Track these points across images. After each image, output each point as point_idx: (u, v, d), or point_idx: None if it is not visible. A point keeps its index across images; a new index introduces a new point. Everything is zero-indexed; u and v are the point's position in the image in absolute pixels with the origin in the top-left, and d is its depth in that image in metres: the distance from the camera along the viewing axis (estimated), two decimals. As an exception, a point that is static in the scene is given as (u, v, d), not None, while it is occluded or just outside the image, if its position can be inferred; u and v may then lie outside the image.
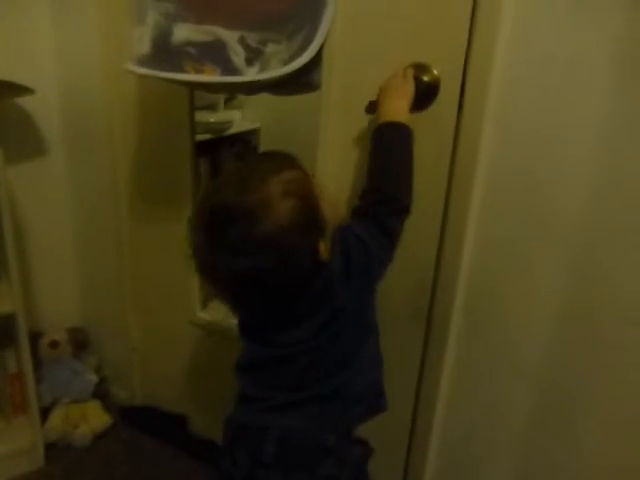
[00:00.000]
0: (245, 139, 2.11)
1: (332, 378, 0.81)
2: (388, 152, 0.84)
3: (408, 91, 0.85)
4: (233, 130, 1.97)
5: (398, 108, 0.84)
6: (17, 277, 1.34)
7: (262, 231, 0.69)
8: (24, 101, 1.52)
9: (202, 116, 1.72)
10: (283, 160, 0.78)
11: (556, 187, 0.84)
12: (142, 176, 1.47)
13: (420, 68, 0.86)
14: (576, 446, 0.93)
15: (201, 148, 1.81)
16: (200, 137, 1.67)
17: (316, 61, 0.96)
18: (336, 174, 1.04)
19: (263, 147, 2.15)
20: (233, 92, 1.26)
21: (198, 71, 0.83)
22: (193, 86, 1.01)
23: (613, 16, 0.73)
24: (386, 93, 0.87)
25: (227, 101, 2.01)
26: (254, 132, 2.12)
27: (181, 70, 0.84)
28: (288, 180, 0.72)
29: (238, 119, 2.09)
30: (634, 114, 0.75)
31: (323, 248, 0.75)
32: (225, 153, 2.03)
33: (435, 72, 0.86)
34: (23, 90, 1.41)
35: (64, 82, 1.56)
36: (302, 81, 1.00)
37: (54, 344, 1.61)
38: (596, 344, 0.86)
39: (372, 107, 0.91)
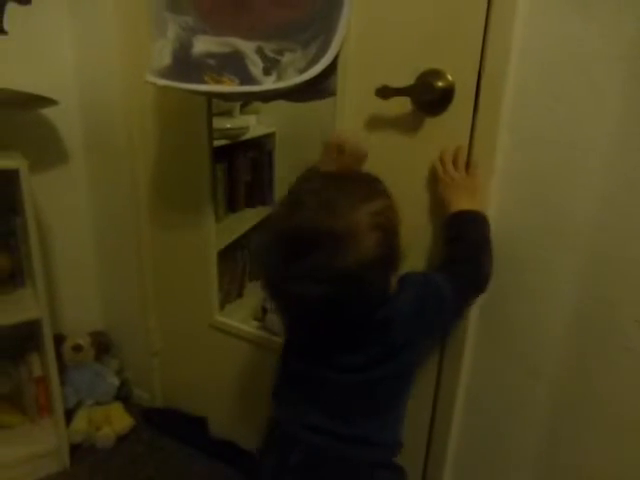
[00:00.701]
0: (260, 144, 2.15)
1: (358, 422, 0.81)
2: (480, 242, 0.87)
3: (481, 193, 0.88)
4: (248, 135, 2.00)
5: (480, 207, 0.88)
6: (42, 283, 1.37)
7: (344, 262, 0.65)
8: (47, 112, 1.57)
9: (219, 122, 1.75)
10: (372, 186, 0.75)
11: (570, 191, 0.84)
12: (162, 183, 1.50)
13: (434, 74, 0.87)
14: (593, 448, 0.93)
15: (217, 153, 1.85)
16: (217, 143, 1.71)
17: (332, 68, 0.98)
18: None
19: (278, 152, 2.18)
20: (250, 100, 1.27)
21: (217, 82, 0.86)
22: (212, 96, 1.03)
23: (626, 21, 0.74)
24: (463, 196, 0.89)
25: (243, 107, 2.05)
26: (269, 137, 2.16)
27: (201, 81, 0.87)
28: (377, 211, 0.69)
29: (253, 124, 2.13)
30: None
31: (393, 282, 0.75)
32: (241, 158, 2.07)
33: (450, 78, 0.87)
34: (47, 101, 1.45)
35: (85, 92, 1.60)
36: (318, 88, 1.02)
37: (77, 348, 1.65)
38: (611, 346, 0.87)
39: (383, 92, 0.90)
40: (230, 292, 2.07)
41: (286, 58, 0.88)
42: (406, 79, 0.89)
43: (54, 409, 1.49)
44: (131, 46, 1.35)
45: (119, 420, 1.65)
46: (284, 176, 2.17)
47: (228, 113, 1.90)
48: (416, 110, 0.90)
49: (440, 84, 0.87)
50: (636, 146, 0.77)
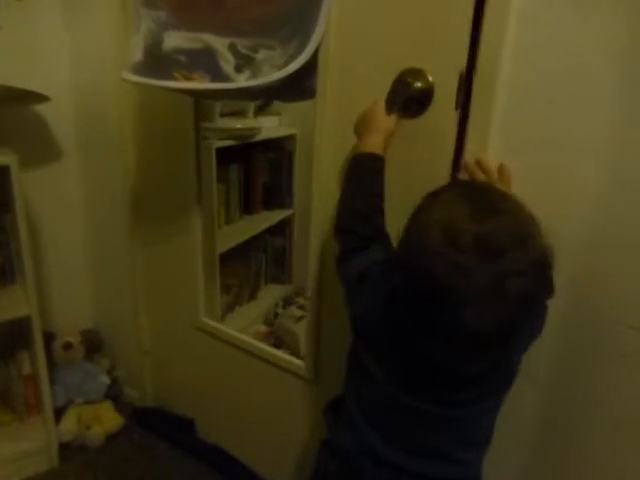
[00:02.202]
0: (280, 145, 2.11)
1: (447, 460, 0.77)
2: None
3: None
4: (268, 136, 1.96)
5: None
6: (33, 281, 1.36)
7: (535, 290, 0.60)
8: (39, 108, 1.56)
9: (229, 122, 1.71)
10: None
11: (564, 195, 0.81)
12: (152, 183, 1.49)
13: (414, 74, 0.83)
14: (586, 453, 0.90)
15: (232, 154, 1.82)
16: (227, 143, 1.68)
17: (313, 67, 0.94)
18: (331, 177, 1.02)
19: (299, 154, 2.14)
20: (227, 98, 1.24)
21: (187, 78, 0.83)
22: (187, 93, 1.01)
23: (620, 22, 0.70)
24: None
25: (263, 107, 2.00)
26: (290, 138, 2.12)
27: (170, 78, 0.84)
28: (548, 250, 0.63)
29: (275, 125, 2.09)
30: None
31: None
32: (259, 159, 2.04)
33: (430, 78, 0.83)
34: (40, 98, 1.43)
35: (78, 89, 1.59)
36: (301, 87, 0.98)
37: (68, 346, 1.64)
38: (604, 351, 0.83)
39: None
40: (241, 294, 2.05)
41: (261, 55, 0.85)
42: (385, 78, 0.85)
43: (43, 407, 1.49)
44: (124, 42, 1.32)
45: (109, 419, 1.64)
46: (304, 179, 2.11)
47: (241, 113, 1.85)
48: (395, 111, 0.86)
49: (419, 84, 0.83)
50: (631, 149, 0.74)
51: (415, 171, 0.88)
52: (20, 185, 1.29)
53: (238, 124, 1.77)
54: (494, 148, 0.84)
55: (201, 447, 1.55)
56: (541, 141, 0.81)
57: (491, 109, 0.82)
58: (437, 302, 0.59)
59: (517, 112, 0.82)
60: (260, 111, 1.98)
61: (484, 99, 0.82)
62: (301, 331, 1.64)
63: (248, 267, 2.10)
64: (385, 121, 0.83)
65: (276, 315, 2.06)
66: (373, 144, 0.82)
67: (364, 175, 0.82)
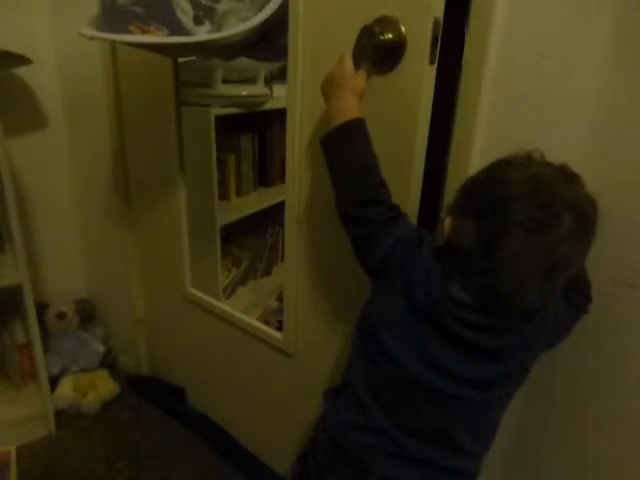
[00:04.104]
0: None
1: (461, 449, 0.74)
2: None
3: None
4: (283, 105, 1.84)
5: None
6: (22, 248, 1.34)
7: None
8: (23, 72, 1.51)
9: (233, 89, 1.59)
10: None
11: (557, 147, 0.72)
12: (140, 150, 1.44)
13: (385, 23, 0.75)
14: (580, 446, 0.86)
15: (243, 123, 1.72)
16: (231, 111, 1.58)
17: (286, 23, 0.87)
18: (305, 141, 0.97)
19: None
20: (193, 54, 1.16)
21: (144, 32, 0.77)
22: (146, 49, 0.94)
23: None
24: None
25: (281, 75, 1.86)
26: None
27: (127, 31, 0.77)
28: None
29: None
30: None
31: None
32: (275, 130, 1.90)
33: (402, 29, 0.74)
34: (21, 60, 1.38)
35: (62, 52, 1.53)
36: (274, 46, 0.91)
37: (61, 315, 1.64)
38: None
39: None
40: (254, 269, 1.99)
41: (223, 6, 0.77)
42: (357, 30, 0.77)
43: (38, 375, 1.49)
44: None
45: (105, 386, 1.65)
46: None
47: (251, 80, 1.70)
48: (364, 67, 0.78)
49: (390, 36, 0.74)
50: (623, 101, 0.69)
51: (386, 132, 0.81)
52: (6, 152, 1.26)
53: (244, 91, 1.63)
54: (487, 100, 0.77)
55: (189, 415, 1.55)
56: (534, 93, 0.74)
57: (484, 61, 0.75)
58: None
59: (509, 64, 0.75)
60: (277, 79, 1.82)
61: (477, 50, 0.75)
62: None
63: (263, 241, 2.05)
64: (355, 79, 0.75)
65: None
66: (349, 108, 0.74)
67: (354, 151, 0.74)
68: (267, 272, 2.08)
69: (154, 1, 0.76)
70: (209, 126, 1.50)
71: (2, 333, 1.55)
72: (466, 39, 0.76)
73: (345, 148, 0.74)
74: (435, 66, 0.75)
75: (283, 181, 2.03)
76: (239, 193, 1.81)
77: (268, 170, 1.94)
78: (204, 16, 0.77)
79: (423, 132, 0.79)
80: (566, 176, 0.62)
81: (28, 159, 1.59)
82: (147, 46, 0.82)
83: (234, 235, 1.82)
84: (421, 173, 0.83)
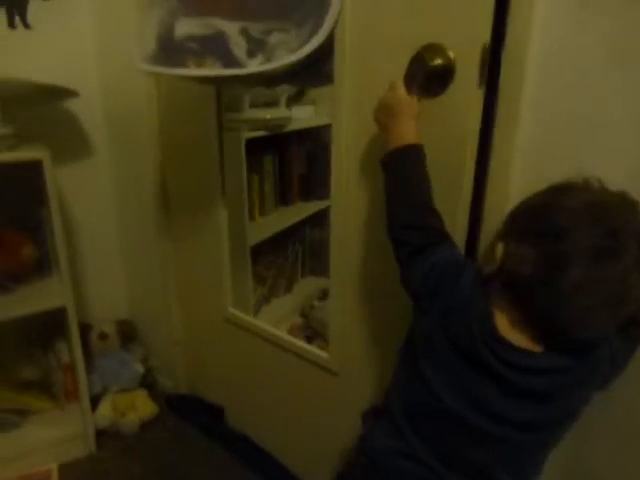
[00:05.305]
0: (316, 135, 2.05)
1: None
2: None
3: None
4: (303, 126, 1.91)
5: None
6: (67, 273, 1.40)
7: None
8: (70, 104, 1.59)
9: (258, 113, 1.67)
10: None
11: (598, 172, 0.74)
12: (181, 176, 1.49)
13: (432, 50, 0.78)
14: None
15: (265, 145, 1.79)
16: (258, 134, 1.65)
17: (330, 50, 0.91)
18: (351, 166, 0.99)
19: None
20: (244, 85, 1.22)
21: (199, 65, 0.81)
22: (201, 81, 0.99)
23: None
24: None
25: (297, 98, 1.95)
26: (326, 128, 2.02)
27: (183, 65, 0.82)
28: None
29: (310, 115, 2.03)
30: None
31: None
32: (294, 150, 2.00)
33: (451, 55, 0.77)
34: (68, 93, 1.46)
35: (107, 84, 1.61)
36: (318, 72, 0.96)
37: (103, 336, 1.69)
38: None
39: None
40: (277, 286, 2.04)
41: (274, 39, 0.82)
42: (402, 58, 0.81)
43: (80, 395, 1.53)
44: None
45: (144, 406, 1.67)
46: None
47: (274, 104, 1.80)
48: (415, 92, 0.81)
49: (438, 61, 0.77)
50: None
51: (436, 154, 0.84)
52: (53, 179, 1.32)
53: (268, 114, 1.72)
54: (526, 123, 0.78)
55: (230, 436, 1.56)
56: (572, 114, 0.74)
57: (521, 84, 0.76)
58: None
59: (547, 85, 0.75)
60: (294, 101, 1.92)
61: (514, 72, 0.76)
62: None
63: (284, 259, 2.09)
64: (410, 103, 0.77)
65: (312, 307, 2.04)
66: (408, 133, 0.76)
67: (410, 176, 0.76)
68: (289, 289, 2.12)
69: (209, 36, 0.81)
70: (240, 149, 1.57)
71: (48, 354, 1.59)
72: (502, 61, 0.77)
73: (403, 171, 0.76)
74: (484, 88, 0.77)
75: (302, 200, 2.13)
76: (262, 213, 1.89)
77: (287, 189, 2.02)
78: (256, 49, 0.81)
79: (471, 154, 0.81)
80: (628, 203, 0.60)
81: (74, 186, 1.66)
82: (203, 79, 0.87)
83: (258, 254, 1.88)
84: (469, 197, 0.84)
